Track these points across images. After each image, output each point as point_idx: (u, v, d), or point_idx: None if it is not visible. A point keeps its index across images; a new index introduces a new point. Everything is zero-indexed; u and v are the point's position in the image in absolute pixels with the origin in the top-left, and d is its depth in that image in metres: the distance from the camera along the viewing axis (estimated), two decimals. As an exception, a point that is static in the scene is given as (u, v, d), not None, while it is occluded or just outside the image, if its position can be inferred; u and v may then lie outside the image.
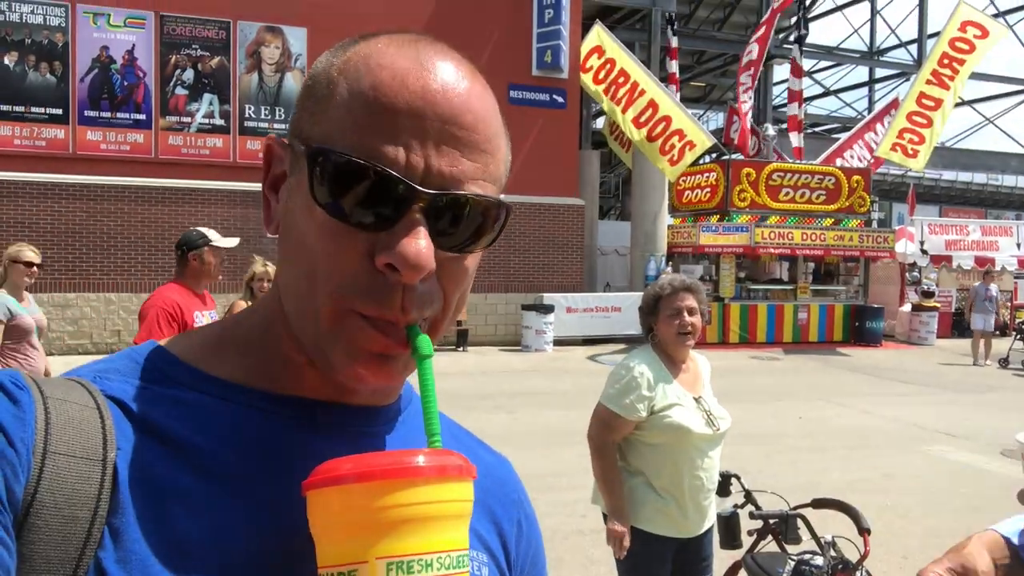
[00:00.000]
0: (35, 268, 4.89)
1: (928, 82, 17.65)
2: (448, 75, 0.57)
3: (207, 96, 14.00)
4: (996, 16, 27.48)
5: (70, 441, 0.52)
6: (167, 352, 0.62)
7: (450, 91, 0.57)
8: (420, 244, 0.53)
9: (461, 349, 14.87)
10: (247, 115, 14.15)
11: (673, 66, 18.27)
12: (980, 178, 33.46)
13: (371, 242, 0.55)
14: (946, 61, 17.65)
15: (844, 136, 21.16)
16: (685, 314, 2.80)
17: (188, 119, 13.92)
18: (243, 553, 0.54)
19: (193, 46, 13.93)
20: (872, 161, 18.72)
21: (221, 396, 0.59)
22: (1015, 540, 0.95)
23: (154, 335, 3.86)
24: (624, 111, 15.61)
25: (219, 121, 14.06)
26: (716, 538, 3.05)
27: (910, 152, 17.13)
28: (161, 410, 0.57)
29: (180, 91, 13.87)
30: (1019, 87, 28.11)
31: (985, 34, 17.66)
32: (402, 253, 0.53)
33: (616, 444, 2.82)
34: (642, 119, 15.47)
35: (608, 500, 2.79)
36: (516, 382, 11.42)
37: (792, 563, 2.70)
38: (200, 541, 0.53)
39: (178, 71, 13.85)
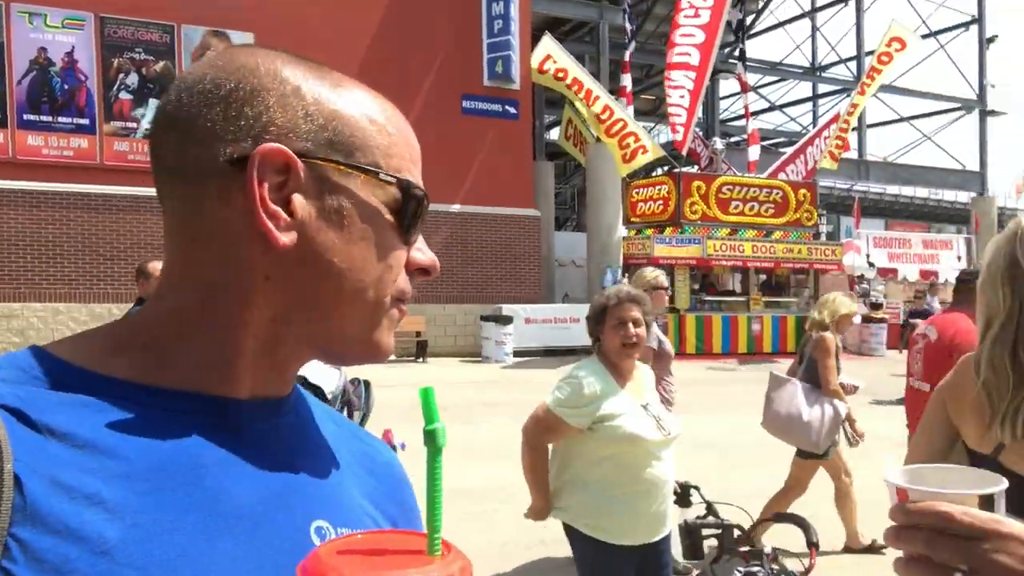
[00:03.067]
0: None
1: (859, 94, 18.54)
2: None
3: (152, 101, 13.61)
4: (927, 36, 28.62)
5: None
6: (52, 356, 0.61)
7: None
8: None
9: (420, 360, 14.68)
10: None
11: (626, 79, 18.40)
12: (922, 192, 34.68)
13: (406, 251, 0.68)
14: (874, 74, 18.65)
15: (788, 150, 21.64)
16: (630, 325, 2.84)
17: (134, 124, 13.49)
18: (164, 554, 0.54)
19: (136, 49, 13.54)
20: (806, 173, 19.28)
21: (122, 397, 0.59)
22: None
23: None
24: (587, 107, 15.87)
25: (164, 128, 13.68)
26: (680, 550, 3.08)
27: (830, 153, 18.24)
28: (63, 415, 0.56)
29: (124, 96, 13.47)
30: (955, 104, 29.25)
31: (904, 46, 18.68)
32: (436, 262, 0.70)
33: (548, 444, 2.91)
34: (601, 117, 15.73)
35: (536, 495, 2.93)
36: (475, 393, 11.29)
37: (739, 574, 2.73)
38: (121, 542, 0.53)
39: (121, 75, 13.44)
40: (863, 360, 16.94)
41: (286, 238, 0.60)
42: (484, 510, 5.65)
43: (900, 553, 0.72)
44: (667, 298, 5.09)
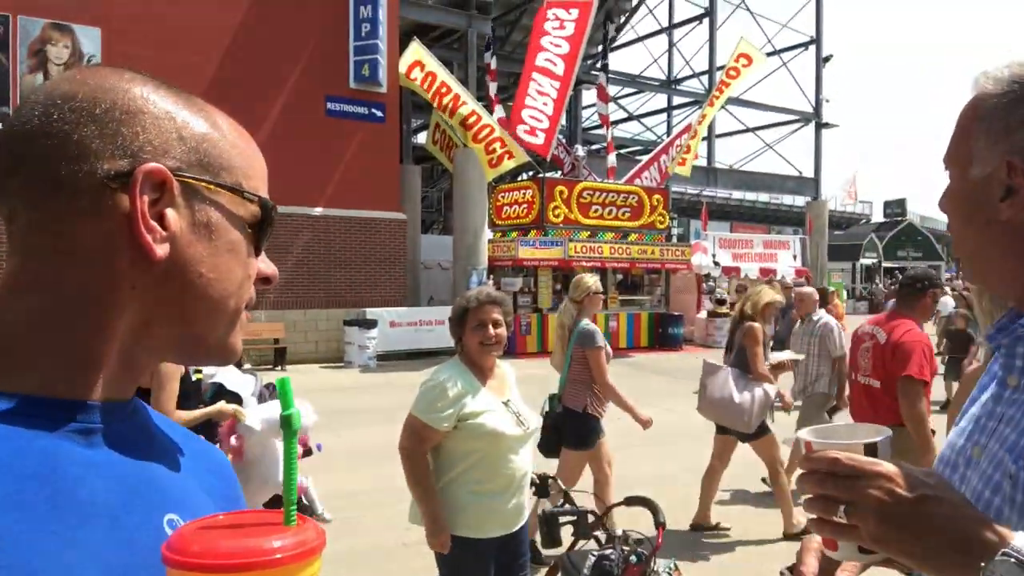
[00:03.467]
0: None
1: (709, 105, 19.89)
2: None
3: (-19, 96, 12.57)
4: (772, 54, 30.92)
5: None
6: None
7: None
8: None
9: (279, 368, 14.34)
10: (31, 119, 12.83)
11: (492, 87, 18.82)
12: (764, 197, 37.40)
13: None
14: (722, 87, 20.05)
15: (645, 158, 22.85)
16: (490, 326, 2.90)
17: (-43, 121, 12.41)
18: (26, 557, 0.55)
19: (-37, 40, 12.46)
20: (660, 179, 20.50)
21: None
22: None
23: None
24: (451, 116, 16.06)
25: (-4, 125, 12.66)
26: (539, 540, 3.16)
27: (680, 160, 19.48)
28: None
29: (-53, 90, 12.34)
30: (794, 116, 31.77)
31: (750, 62, 20.24)
32: (275, 272, 0.76)
33: (427, 453, 2.89)
34: (468, 122, 16.04)
35: (424, 507, 2.86)
36: (339, 399, 11.19)
37: (593, 558, 2.86)
38: None
39: (-56, 67, 12.32)
40: (709, 352, 18.18)
41: (161, 251, 0.64)
42: (348, 517, 5.65)
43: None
44: (602, 302, 5.51)
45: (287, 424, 0.63)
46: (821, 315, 6.46)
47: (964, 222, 0.95)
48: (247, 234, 0.70)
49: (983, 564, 0.70)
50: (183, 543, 0.57)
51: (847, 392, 5.11)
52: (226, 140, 0.70)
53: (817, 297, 6.79)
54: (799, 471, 0.82)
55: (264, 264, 0.74)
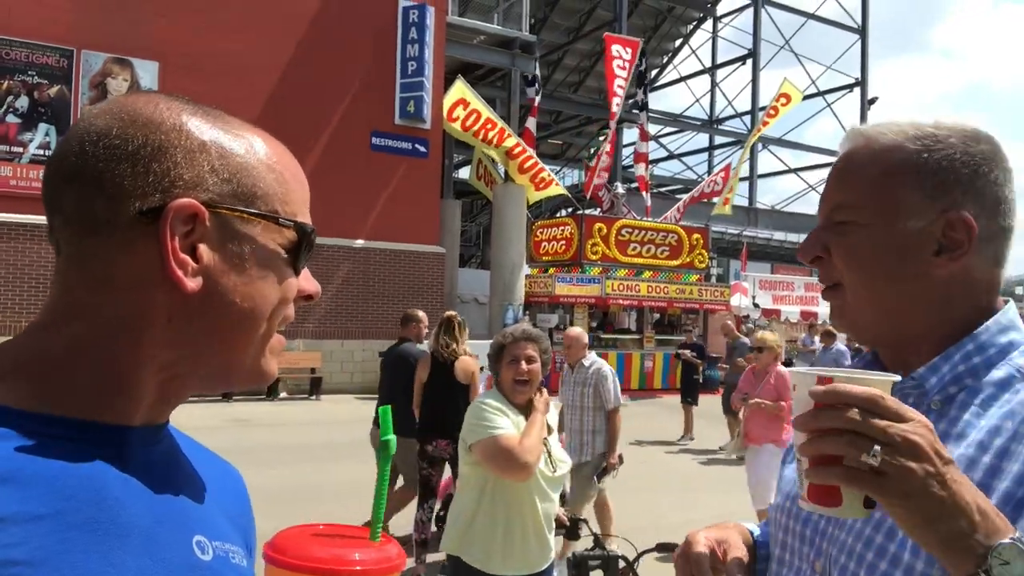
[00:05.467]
0: None
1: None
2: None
3: (43, 126, 13.10)
4: (816, 95, 30.81)
5: None
6: None
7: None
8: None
9: (314, 398, 14.46)
10: (88, 148, 13.33)
11: (531, 123, 19.10)
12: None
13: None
14: (762, 126, 20.21)
15: (685, 197, 22.82)
16: (523, 363, 2.92)
17: (20, 149, 12.93)
18: (70, 572, 0.57)
19: (29, 72, 13.04)
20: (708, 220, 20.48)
21: (17, 425, 0.60)
22: (757, 532, 1.14)
23: None
24: (497, 146, 16.51)
25: (56, 153, 13.18)
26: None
27: (724, 200, 19.59)
28: None
29: (12, 119, 12.90)
30: (837, 158, 31.46)
31: (789, 101, 20.31)
32: (319, 290, 0.75)
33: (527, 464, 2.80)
34: (514, 152, 16.70)
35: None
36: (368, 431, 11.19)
37: None
38: (28, 564, 0.55)
39: (10, 97, 12.89)
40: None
41: (193, 284, 0.64)
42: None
43: None
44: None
45: (384, 448, 0.69)
46: (593, 360, 5.72)
47: (887, 276, 0.93)
48: (284, 259, 0.70)
49: (992, 545, 0.70)
50: (284, 544, 0.64)
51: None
52: (263, 165, 0.70)
53: (586, 341, 5.88)
54: (808, 410, 0.74)
55: (306, 281, 0.73)
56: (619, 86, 19.05)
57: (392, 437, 0.67)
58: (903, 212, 0.92)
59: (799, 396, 0.77)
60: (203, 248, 0.65)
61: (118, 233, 0.63)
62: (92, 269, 0.64)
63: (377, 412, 5.83)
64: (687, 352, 12.40)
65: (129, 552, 0.61)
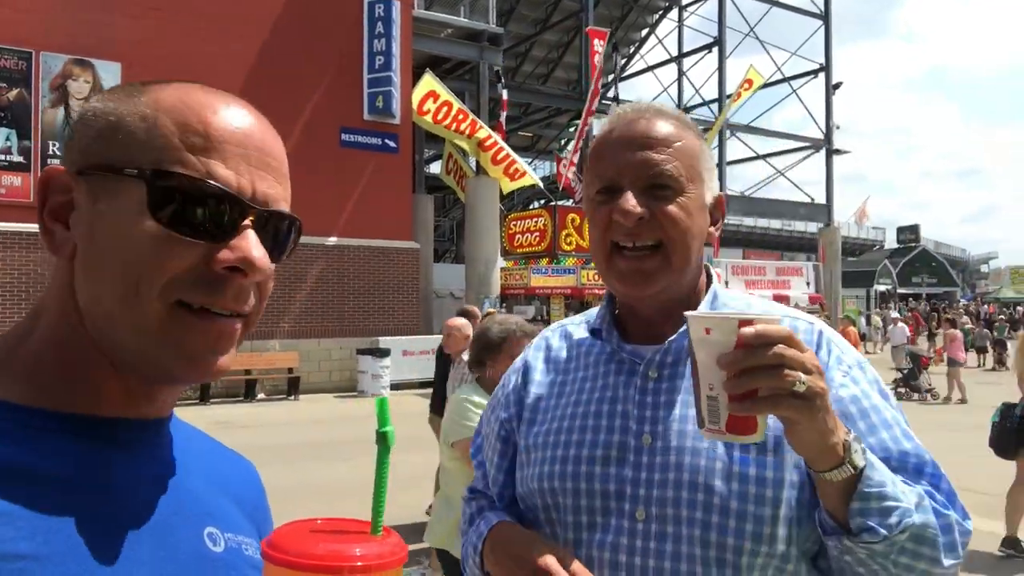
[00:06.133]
0: None
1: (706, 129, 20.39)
2: (255, 114, 0.70)
3: (3, 130, 12.81)
4: (782, 81, 31.09)
5: None
6: None
7: (262, 126, 0.69)
8: (260, 249, 0.65)
9: (292, 398, 14.36)
10: (50, 151, 13.06)
11: (501, 116, 19.09)
12: (776, 224, 37.31)
13: (208, 249, 0.63)
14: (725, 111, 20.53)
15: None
16: None
17: (-20, 155, 12.65)
18: (79, 564, 0.57)
19: (-13, 76, 12.75)
20: None
21: (13, 419, 0.60)
22: (508, 518, 1.21)
23: None
24: (469, 136, 16.53)
25: (17, 158, 12.89)
26: None
27: None
28: None
29: (-30, 125, 12.60)
30: (804, 143, 31.82)
31: (751, 85, 20.61)
32: (248, 256, 0.63)
33: None
34: (485, 144, 16.78)
35: None
36: (353, 429, 11.16)
37: None
38: (35, 556, 0.55)
39: (-32, 102, 12.60)
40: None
41: (61, 249, 0.64)
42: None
43: None
44: None
45: (383, 440, 0.66)
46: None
47: (696, 232, 1.11)
48: (152, 216, 0.61)
49: (848, 439, 0.90)
50: (282, 541, 0.62)
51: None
52: (135, 115, 0.64)
53: (468, 332, 4.96)
54: (731, 351, 0.83)
55: (230, 251, 0.63)
56: (594, 77, 19.12)
57: (390, 428, 0.65)
58: (703, 185, 1.14)
59: (715, 339, 0.84)
60: (73, 215, 0.64)
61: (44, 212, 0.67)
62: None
63: (432, 400, 6.14)
64: None
65: (137, 545, 0.62)
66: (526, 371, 1.25)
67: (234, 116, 0.66)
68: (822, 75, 30.78)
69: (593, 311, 1.25)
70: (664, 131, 1.11)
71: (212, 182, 0.62)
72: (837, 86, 30.59)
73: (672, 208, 1.08)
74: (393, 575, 0.63)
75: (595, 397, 1.13)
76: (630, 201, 1.06)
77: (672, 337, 1.11)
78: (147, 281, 0.61)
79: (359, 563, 0.61)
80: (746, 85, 20.53)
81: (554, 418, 1.15)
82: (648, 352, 1.12)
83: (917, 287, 44.60)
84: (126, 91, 0.66)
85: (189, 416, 0.74)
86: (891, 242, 50.55)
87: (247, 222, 0.65)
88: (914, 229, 49.59)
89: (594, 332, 1.21)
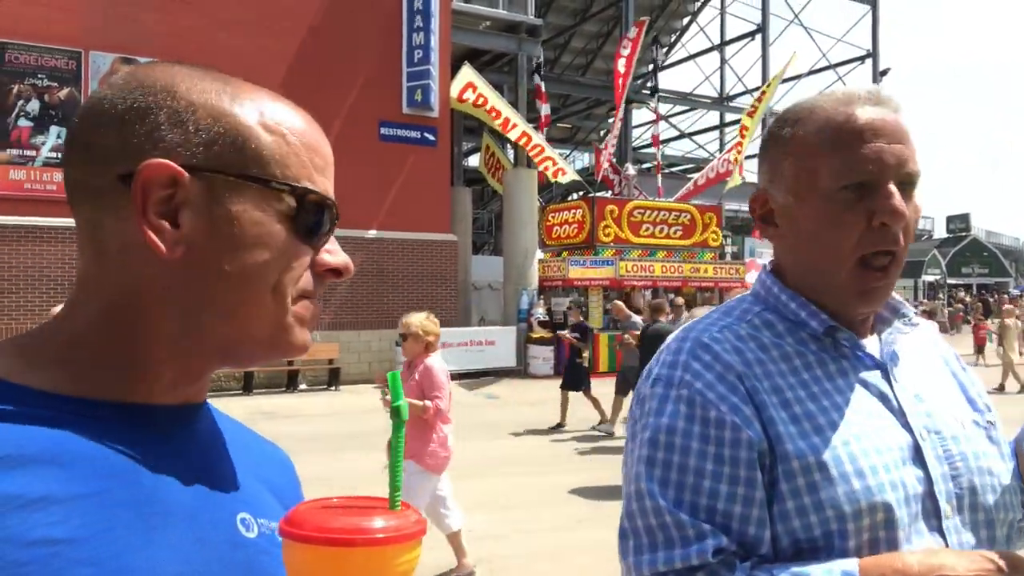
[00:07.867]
0: None
1: (748, 115, 19.99)
2: (313, 120, 0.75)
3: (55, 129, 13.18)
4: (827, 68, 30.42)
5: None
6: None
7: (322, 133, 0.75)
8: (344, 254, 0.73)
9: (333, 389, 14.57)
10: (100, 149, 13.41)
11: (544, 108, 19.02)
12: (819, 214, 36.54)
13: (312, 254, 0.69)
14: (762, 97, 20.17)
15: (697, 176, 22.67)
16: None
17: (33, 152, 13.03)
18: (112, 549, 0.57)
19: (39, 76, 13.11)
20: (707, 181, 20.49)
21: (49, 407, 0.60)
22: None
23: None
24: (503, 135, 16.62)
25: (69, 155, 13.27)
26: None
27: (737, 170, 19.66)
28: None
29: (23, 123, 12.98)
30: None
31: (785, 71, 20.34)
32: (348, 263, 0.72)
33: None
34: (519, 143, 16.70)
35: None
36: (388, 420, 11.29)
37: None
38: (69, 542, 0.55)
39: (21, 101, 12.98)
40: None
41: (172, 250, 0.62)
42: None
43: None
44: None
45: (396, 414, 0.66)
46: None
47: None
48: (283, 226, 0.65)
49: None
50: (299, 518, 0.61)
51: None
52: (261, 126, 0.66)
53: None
54: None
55: (330, 256, 0.70)
56: (624, 66, 18.89)
57: (403, 402, 0.64)
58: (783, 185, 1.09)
59: None
60: (185, 214, 0.63)
61: (107, 200, 0.63)
62: (96, 241, 0.64)
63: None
64: (567, 334, 11.25)
65: (170, 530, 0.62)
66: None
67: (317, 132, 0.73)
68: (868, 62, 30.07)
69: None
70: (904, 121, 1.00)
71: (331, 199, 0.70)
72: (885, 72, 29.84)
73: (912, 208, 0.97)
74: (412, 548, 0.62)
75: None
76: (898, 197, 0.94)
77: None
78: (280, 286, 0.66)
79: (379, 535, 0.60)
80: (787, 70, 20.17)
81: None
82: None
83: (967, 277, 43.38)
84: (229, 92, 0.67)
85: (234, 406, 0.75)
86: (940, 231, 49.26)
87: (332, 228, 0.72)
88: (964, 218, 48.21)
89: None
